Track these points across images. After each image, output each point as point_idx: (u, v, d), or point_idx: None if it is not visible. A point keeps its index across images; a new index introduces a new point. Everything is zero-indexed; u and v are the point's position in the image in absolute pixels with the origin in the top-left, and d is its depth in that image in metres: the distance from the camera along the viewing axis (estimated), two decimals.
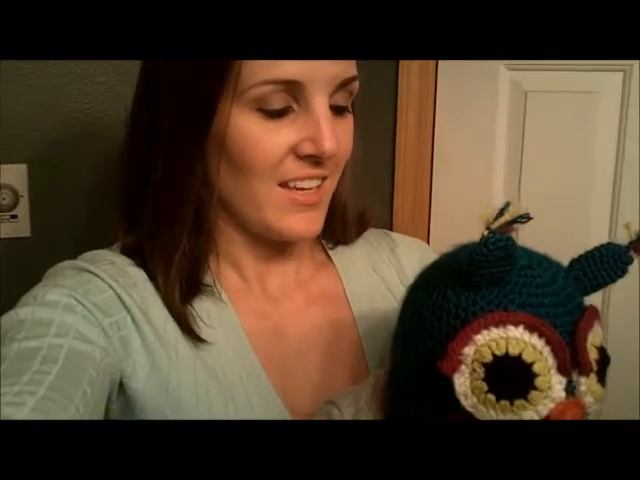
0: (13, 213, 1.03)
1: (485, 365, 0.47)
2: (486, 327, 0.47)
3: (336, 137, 0.64)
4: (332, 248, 0.80)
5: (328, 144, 0.63)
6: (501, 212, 0.47)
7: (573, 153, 1.26)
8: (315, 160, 0.65)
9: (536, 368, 0.46)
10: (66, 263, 0.68)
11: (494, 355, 0.46)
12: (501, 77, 1.30)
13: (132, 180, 0.70)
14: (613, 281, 0.54)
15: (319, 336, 0.73)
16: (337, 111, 0.67)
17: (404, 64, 1.32)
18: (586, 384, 0.48)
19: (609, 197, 1.24)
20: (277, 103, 0.63)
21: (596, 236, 1.23)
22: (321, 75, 0.63)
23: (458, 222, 1.30)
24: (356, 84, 0.67)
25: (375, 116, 1.29)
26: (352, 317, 0.75)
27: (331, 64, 0.63)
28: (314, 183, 0.67)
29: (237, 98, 0.63)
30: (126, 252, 0.70)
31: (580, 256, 0.54)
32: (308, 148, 0.64)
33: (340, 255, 0.80)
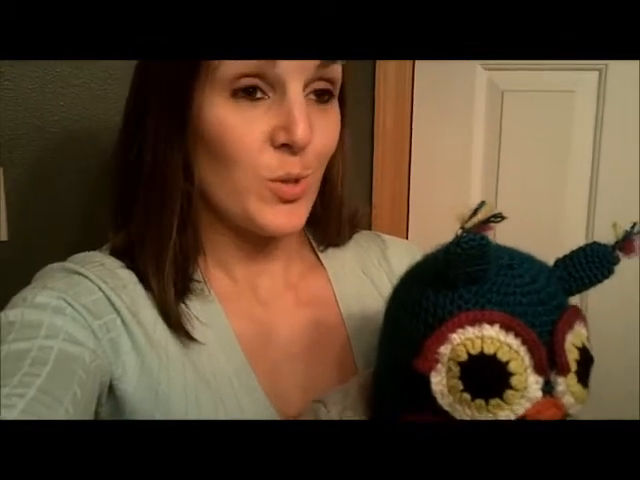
0: None
1: (460, 364, 0.47)
2: (461, 326, 0.47)
3: (310, 126, 0.62)
4: (322, 250, 0.80)
5: (300, 132, 0.61)
6: (475, 212, 0.47)
7: (549, 151, 1.28)
8: (292, 151, 0.63)
9: (512, 367, 0.46)
10: (56, 265, 0.68)
11: (469, 354, 0.46)
12: (478, 77, 1.32)
13: (123, 176, 0.70)
14: (599, 281, 0.53)
15: (308, 338, 0.73)
16: (318, 101, 0.66)
17: (381, 65, 1.33)
18: (564, 384, 0.48)
19: (586, 195, 1.26)
20: (250, 87, 0.62)
21: (573, 234, 1.25)
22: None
23: (436, 221, 1.31)
24: (336, 68, 0.66)
25: (352, 117, 1.30)
26: (341, 319, 0.75)
27: None
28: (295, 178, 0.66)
29: (210, 83, 0.62)
30: (116, 253, 0.70)
31: (565, 256, 0.54)
32: (282, 137, 0.62)
33: (330, 257, 0.79)
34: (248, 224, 0.67)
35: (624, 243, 0.53)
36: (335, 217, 0.77)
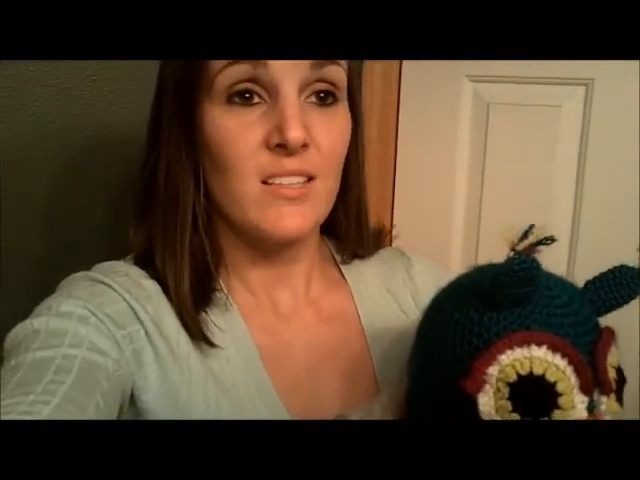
0: None
1: (509, 385, 0.47)
2: (510, 347, 0.48)
3: (304, 125, 0.62)
4: (345, 263, 0.79)
5: (292, 132, 0.61)
6: (525, 234, 0.47)
7: (535, 165, 1.27)
8: (287, 152, 0.63)
9: (559, 387, 0.47)
10: (80, 274, 0.68)
11: (518, 375, 0.47)
12: (464, 89, 1.31)
13: (143, 186, 0.71)
14: (626, 302, 0.54)
15: (329, 355, 0.73)
16: (321, 104, 0.66)
17: (367, 75, 1.31)
18: (606, 403, 0.49)
19: (570, 209, 1.26)
20: (245, 92, 0.63)
21: (556, 248, 1.25)
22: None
23: (420, 234, 1.32)
24: (336, 70, 0.65)
25: None
26: (364, 337, 0.75)
27: None
28: (295, 180, 0.65)
29: (210, 93, 0.63)
30: (139, 262, 0.70)
31: (595, 278, 0.55)
32: (276, 137, 0.62)
33: (353, 272, 0.79)
34: (254, 232, 0.67)
35: None
36: (356, 225, 0.78)
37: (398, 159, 1.36)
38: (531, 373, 0.47)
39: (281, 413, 0.67)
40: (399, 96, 1.34)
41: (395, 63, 1.35)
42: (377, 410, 0.62)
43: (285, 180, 0.64)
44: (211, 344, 0.66)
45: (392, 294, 0.80)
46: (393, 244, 1.37)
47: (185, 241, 0.67)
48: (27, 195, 1.00)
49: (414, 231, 1.34)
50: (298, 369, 0.71)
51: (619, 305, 0.55)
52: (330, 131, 0.66)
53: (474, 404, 0.48)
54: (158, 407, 0.63)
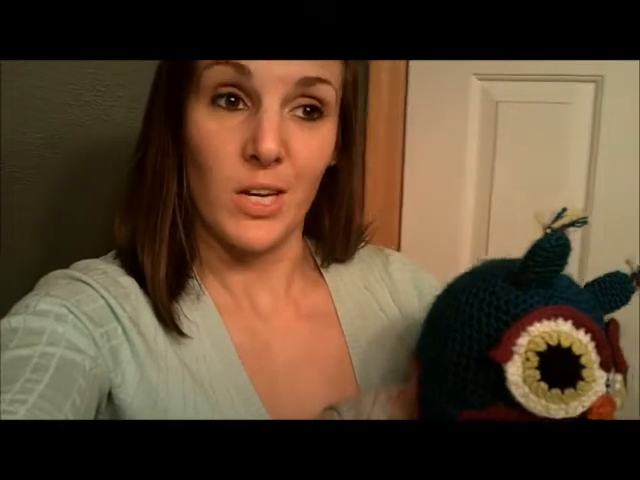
0: None
1: (539, 354, 0.49)
2: (539, 320, 0.50)
3: (280, 140, 0.63)
4: (325, 267, 0.80)
5: (266, 145, 0.61)
6: (559, 215, 0.50)
7: (545, 163, 1.26)
8: (260, 164, 0.63)
9: (583, 361, 0.50)
10: (59, 272, 0.68)
11: (548, 345, 0.50)
12: (472, 87, 1.29)
13: (131, 178, 0.72)
14: (618, 307, 0.58)
15: (309, 354, 0.73)
16: (306, 118, 0.66)
17: (374, 74, 1.30)
18: (620, 383, 0.52)
19: (581, 207, 1.23)
20: (229, 96, 0.63)
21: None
22: (274, 69, 0.62)
23: (429, 231, 1.30)
24: (325, 88, 0.65)
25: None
26: (342, 335, 0.76)
27: (286, 61, 0.62)
28: (265, 192, 0.65)
29: (196, 91, 0.64)
30: (119, 251, 0.71)
31: (593, 280, 0.58)
32: (250, 148, 0.63)
33: (332, 272, 0.80)
34: (222, 236, 0.68)
35: (639, 275, 0.58)
36: (343, 235, 0.78)
37: (406, 159, 1.34)
38: (559, 345, 0.50)
39: (260, 412, 0.67)
40: (406, 95, 1.32)
41: (402, 62, 1.33)
42: (365, 402, 0.64)
43: (253, 199, 0.65)
44: (182, 334, 0.66)
45: (370, 291, 0.81)
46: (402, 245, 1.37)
47: (165, 231, 0.68)
48: (44, 197, 1.03)
49: (423, 231, 1.32)
50: (277, 368, 0.71)
51: (612, 309, 0.58)
52: (309, 147, 0.66)
53: (501, 375, 0.50)
54: (136, 405, 0.63)
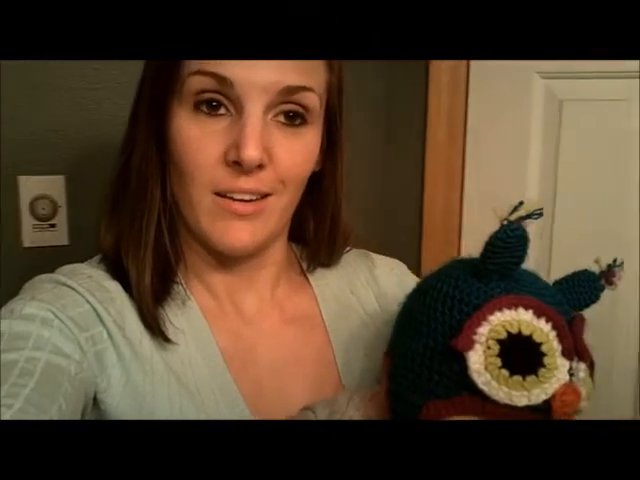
0: (52, 222, 1.11)
1: (500, 342, 0.50)
2: (499, 309, 0.51)
3: (262, 146, 0.63)
4: (311, 271, 0.81)
5: (248, 151, 0.62)
6: (515, 208, 0.52)
7: (609, 162, 1.21)
8: (243, 170, 0.63)
9: (544, 349, 0.51)
10: (44, 276, 0.68)
11: (508, 333, 0.50)
12: (535, 86, 1.27)
13: (116, 181, 0.72)
14: (587, 305, 0.60)
15: (294, 357, 0.74)
16: (289, 124, 0.66)
17: (434, 74, 1.29)
18: (584, 372, 0.52)
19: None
20: (212, 102, 0.64)
21: (634, 245, 1.16)
22: (256, 78, 0.62)
23: (489, 233, 1.32)
24: (309, 96, 0.66)
25: (404, 128, 1.25)
26: (327, 338, 0.76)
27: (270, 69, 0.63)
28: (248, 196, 0.65)
29: (179, 95, 0.65)
30: (105, 256, 0.71)
31: (562, 278, 0.60)
32: (233, 154, 0.63)
33: (317, 276, 0.81)
34: (205, 240, 0.69)
35: (608, 274, 0.60)
36: (328, 240, 0.79)
37: (467, 160, 1.31)
38: (520, 333, 0.51)
39: (244, 414, 0.67)
40: (467, 95, 1.31)
41: (462, 62, 1.30)
42: (340, 400, 0.65)
43: (237, 195, 0.65)
44: (167, 339, 0.67)
45: (356, 295, 0.81)
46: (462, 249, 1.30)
47: (150, 236, 0.68)
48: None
49: (484, 235, 1.37)
50: (262, 372, 0.71)
51: (581, 307, 0.60)
52: (292, 153, 0.67)
53: (464, 364, 0.51)
54: (122, 408, 0.63)
